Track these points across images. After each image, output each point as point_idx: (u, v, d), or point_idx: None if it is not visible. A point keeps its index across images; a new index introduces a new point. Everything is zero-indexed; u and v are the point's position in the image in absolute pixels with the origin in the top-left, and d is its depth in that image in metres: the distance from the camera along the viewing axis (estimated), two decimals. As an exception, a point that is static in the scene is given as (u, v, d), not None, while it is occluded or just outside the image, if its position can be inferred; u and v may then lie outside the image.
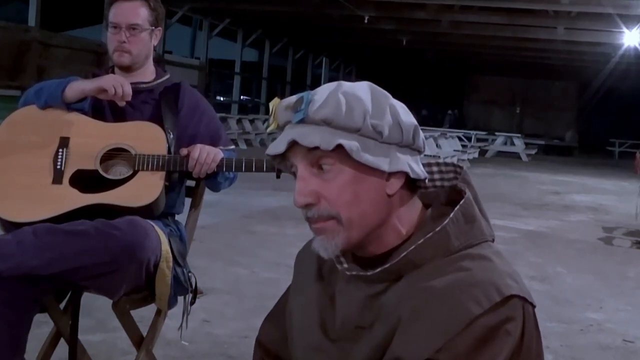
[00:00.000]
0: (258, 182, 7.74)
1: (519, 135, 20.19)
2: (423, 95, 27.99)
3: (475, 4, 14.60)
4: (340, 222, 1.06)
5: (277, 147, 1.06)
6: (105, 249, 1.90)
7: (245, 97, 24.74)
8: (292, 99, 1.08)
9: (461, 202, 1.09)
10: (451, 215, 1.07)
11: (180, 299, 2.25)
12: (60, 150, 2.16)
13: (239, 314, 3.61)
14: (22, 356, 1.95)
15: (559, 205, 9.37)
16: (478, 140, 19.72)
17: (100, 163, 2.15)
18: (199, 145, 2.21)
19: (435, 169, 1.18)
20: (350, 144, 1.03)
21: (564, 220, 8.01)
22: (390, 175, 1.07)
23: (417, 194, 1.14)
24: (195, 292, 2.28)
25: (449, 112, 27.70)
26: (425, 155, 1.30)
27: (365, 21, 14.95)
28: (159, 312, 2.22)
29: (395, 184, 1.08)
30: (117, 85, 2.15)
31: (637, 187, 7.45)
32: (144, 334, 2.23)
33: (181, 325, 2.27)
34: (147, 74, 2.35)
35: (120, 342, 2.91)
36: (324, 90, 1.07)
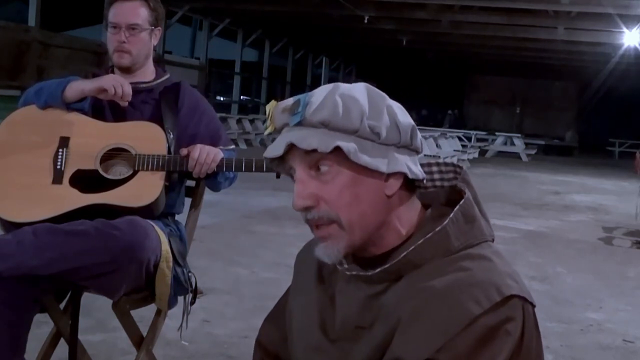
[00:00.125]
0: (258, 182, 7.74)
1: (519, 135, 20.19)
2: (423, 95, 28.01)
3: (475, 4, 14.60)
4: (341, 226, 1.06)
5: (274, 150, 1.06)
6: (105, 249, 1.90)
7: (245, 97, 24.74)
8: (289, 101, 1.08)
9: (461, 202, 1.09)
10: (451, 215, 1.07)
11: (180, 299, 2.25)
12: (60, 150, 2.16)
13: (239, 314, 3.61)
14: (22, 356, 1.95)
15: (559, 205, 9.37)
16: (478, 140, 19.72)
17: (100, 163, 2.15)
18: (198, 146, 2.21)
19: (435, 169, 1.18)
20: (348, 145, 1.03)
21: (564, 220, 8.01)
22: (389, 176, 1.07)
23: (417, 194, 1.14)
24: (195, 292, 2.28)
25: (449, 112, 27.71)
26: (425, 155, 1.30)
27: (365, 21, 14.94)
28: (159, 312, 2.22)
29: (394, 185, 1.08)
30: (117, 85, 2.15)
31: (637, 187, 7.46)
32: (144, 334, 2.23)
33: (181, 325, 2.27)
34: (147, 73, 2.35)
35: (120, 342, 2.91)
36: (321, 93, 1.07)
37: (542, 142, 22.79)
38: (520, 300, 1.01)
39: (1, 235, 2.01)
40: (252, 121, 17.23)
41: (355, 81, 1.13)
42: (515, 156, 18.48)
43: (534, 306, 1.05)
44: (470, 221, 1.08)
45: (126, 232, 1.94)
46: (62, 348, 2.24)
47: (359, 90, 1.08)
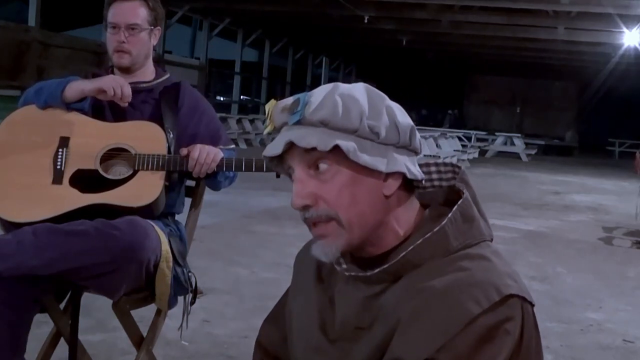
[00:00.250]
0: (258, 182, 7.74)
1: (519, 135, 20.19)
2: (423, 95, 28.01)
3: (475, 4, 14.60)
4: (340, 224, 1.06)
5: (274, 148, 1.06)
6: (105, 249, 1.90)
7: (245, 97, 24.74)
8: (289, 100, 1.08)
9: (459, 202, 1.09)
10: (449, 215, 1.07)
11: (180, 299, 2.25)
12: (60, 150, 2.16)
13: (239, 314, 3.61)
14: (22, 356, 1.95)
15: (559, 205, 9.37)
16: (478, 140, 19.71)
17: (100, 163, 2.15)
18: (198, 146, 2.20)
19: (433, 169, 1.18)
20: (347, 144, 1.03)
21: (564, 220, 8.01)
22: (388, 176, 1.07)
23: (415, 195, 1.14)
24: (195, 292, 2.28)
25: (449, 112, 27.71)
26: (425, 155, 1.30)
27: (365, 21, 14.94)
28: (159, 312, 2.22)
29: (393, 185, 1.08)
30: (116, 86, 2.15)
31: (637, 187, 7.46)
32: (144, 334, 2.23)
33: (181, 325, 2.27)
34: (147, 73, 2.35)
35: (120, 342, 2.91)
36: (320, 92, 1.07)
37: (542, 142, 22.78)
38: (519, 300, 1.02)
39: (1, 235, 2.01)
40: (252, 121, 17.23)
41: (355, 81, 1.13)
42: (515, 156, 18.48)
43: (533, 305, 1.05)
44: (469, 221, 1.08)
45: (126, 232, 1.94)
46: (62, 348, 2.24)
47: (359, 90, 1.08)
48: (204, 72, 18.73)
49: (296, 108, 1.06)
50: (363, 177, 1.06)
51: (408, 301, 1.02)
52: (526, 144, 19.79)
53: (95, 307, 3.07)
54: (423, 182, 1.15)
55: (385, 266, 1.07)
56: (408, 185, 1.11)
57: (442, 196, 1.16)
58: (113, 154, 2.17)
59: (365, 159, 1.04)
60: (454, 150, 15.11)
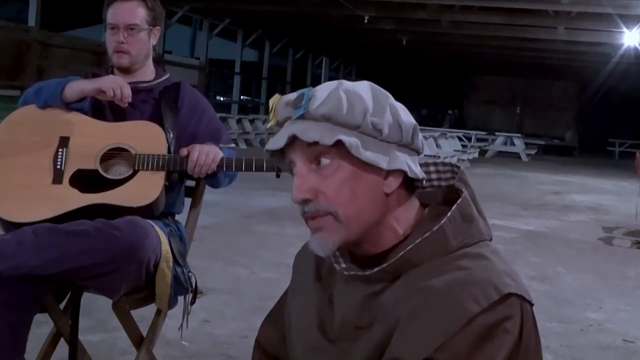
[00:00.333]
0: (258, 182, 7.74)
1: (519, 135, 20.18)
2: (423, 95, 27.99)
3: (475, 4, 14.60)
4: (337, 219, 1.06)
5: (276, 142, 1.07)
6: (105, 249, 1.90)
7: (245, 97, 24.74)
8: (293, 95, 1.08)
9: (458, 202, 1.09)
10: (448, 214, 1.07)
11: (180, 299, 2.25)
12: (60, 150, 2.16)
13: (239, 314, 3.61)
14: (22, 356, 1.95)
15: (559, 205, 9.36)
16: (478, 140, 19.71)
17: (100, 163, 2.15)
18: (197, 147, 2.20)
19: (432, 168, 1.18)
20: (350, 140, 1.03)
21: (564, 220, 8.01)
22: (389, 173, 1.07)
23: (415, 195, 1.14)
24: (195, 292, 2.28)
25: (449, 112, 27.70)
26: (425, 155, 1.30)
27: (365, 21, 14.94)
28: (159, 312, 2.22)
29: (393, 183, 1.08)
30: (115, 87, 2.15)
31: (637, 187, 7.45)
32: (144, 334, 2.23)
33: (181, 325, 2.27)
34: (147, 73, 2.35)
35: (120, 342, 2.91)
36: (325, 88, 1.08)
37: (542, 142, 22.78)
38: (518, 299, 1.02)
39: (1, 235, 2.01)
40: (252, 121, 17.23)
41: (355, 81, 1.13)
42: (515, 156, 18.48)
43: (532, 305, 1.05)
44: (468, 220, 1.08)
45: (126, 232, 1.94)
46: (62, 348, 2.24)
47: (363, 88, 1.09)
48: (204, 72, 18.73)
49: (300, 102, 1.06)
50: (364, 174, 1.06)
51: (407, 300, 1.02)
52: (526, 144, 19.79)
53: (95, 307, 3.07)
54: (423, 182, 1.15)
55: (384, 265, 1.07)
56: (408, 184, 1.12)
57: (441, 196, 1.16)
58: (113, 154, 2.17)
59: (368, 155, 1.04)
60: (454, 150, 15.10)
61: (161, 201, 2.16)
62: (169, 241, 2.12)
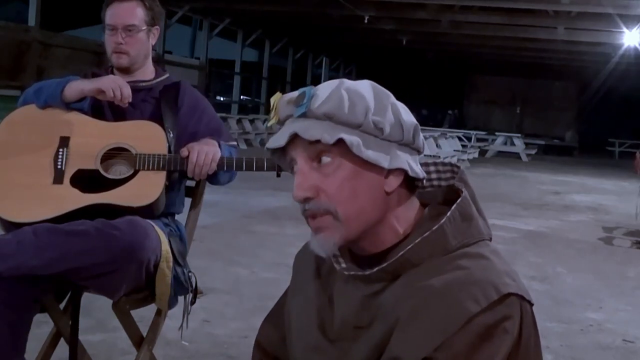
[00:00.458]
0: (258, 182, 7.74)
1: (519, 135, 20.18)
2: (423, 95, 27.98)
3: (475, 4, 14.60)
4: (336, 218, 1.06)
5: (277, 140, 1.07)
6: (106, 249, 1.90)
7: (245, 97, 24.74)
8: (294, 93, 1.09)
9: (458, 201, 1.09)
10: (448, 214, 1.07)
11: (181, 299, 2.25)
12: (61, 150, 2.16)
13: (239, 314, 3.61)
14: (22, 356, 1.95)
15: (559, 205, 9.36)
16: (478, 140, 19.70)
17: (101, 162, 2.15)
18: (196, 147, 2.19)
19: (432, 168, 1.18)
20: (352, 138, 1.04)
21: (564, 220, 8.01)
22: (390, 172, 1.08)
23: (415, 194, 1.14)
24: (196, 292, 2.28)
25: (449, 112, 27.69)
26: (425, 155, 1.30)
27: (365, 21, 14.94)
28: (159, 312, 2.22)
29: (394, 182, 1.08)
30: (115, 88, 2.15)
31: (637, 187, 7.45)
32: (144, 334, 2.23)
33: (181, 325, 2.27)
34: (147, 73, 2.35)
35: (120, 342, 2.92)
36: (327, 87, 1.08)
37: (542, 142, 22.77)
38: (518, 299, 1.02)
39: (1, 235, 2.01)
40: (252, 121, 17.23)
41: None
42: (515, 156, 18.48)
43: (532, 304, 1.05)
44: (468, 220, 1.09)
45: (126, 232, 1.94)
46: (62, 348, 2.24)
47: (365, 87, 1.09)
48: (204, 72, 18.73)
49: (302, 101, 1.06)
50: (365, 172, 1.06)
51: (407, 300, 1.02)
52: (526, 144, 19.78)
53: (95, 307, 3.07)
54: (423, 181, 1.15)
55: (384, 265, 1.07)
56: (409, 183, 1.12)
57: (441, 195, 1.16)
58: (113, 154, 2.17)
59: (369, 154, 1.05)
60: (454, 150, 15.10)
61: (162, 201, 2.16)
62: (169, 241, 2.12)
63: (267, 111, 1.13)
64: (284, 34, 21.65)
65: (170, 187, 2.24)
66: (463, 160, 14.60)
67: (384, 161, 1.06)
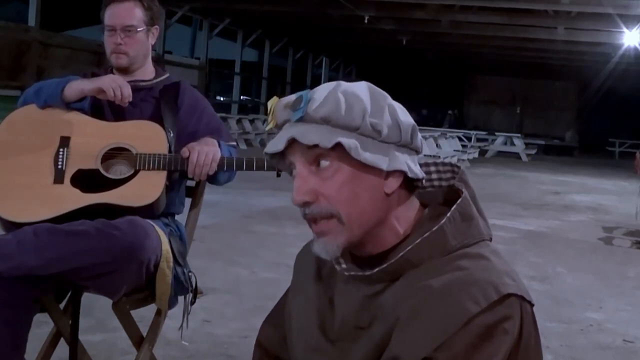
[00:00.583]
0: (258, 182, 7.74)
1: (519, 135, 20.18)
2: (423, 95, 27.99)
3: (475, 4, 14.60)
4: (340, 220, 1.06)
5: (276, 145, 1.07)
6: (106, 249, 1.90)
7: (245, 97, 24.74)
8: (291, 97, 1.08)
9: (458, 202, 1.09)
10: (448, 214, 1.07)
11: (181, 299, 2.25)
12: (61, 149, 2.16)
13: (239, 314, 3.61)
14: (22, 356, 1.95)
15: (559, 205, 9.36)
16: (478, 140, 19.70)
17: (101, 162, 2.15)
18: (196, 147, 2.19)
19: (432, 168, 1.18)
20: (349, 142, 1.03)
21: (564, 220, 8.01)
22: (389, 174, 1.08)
23: (415, 194, 1.14)
24: (196, 292, 2.28)
25: (449, 112, 27.68)
26: (425, 155, 1.30)
27: (365, 21, 14.94)
28: (159, 312, 2.22)
29: (394, 183, 1.08)
30: (115, 87, 2.15)
31: (637, 187, 7.45)
32: (144, 334, 2.23)
33: (181, 325, 2.27)
34: (147, 72, 2.35)
35: (120, 342, 2.92)
36: (323, 89, 1.08)
37: (542, 142, 22.77)
38: (518, 299, 1.02)
39: (1, 235, 2.01)
40: (252, 121, 17.23)
41: (355, 81, 1.13)
42: (515, 156, 18.48)
43: (532, 305, 1.05)
44: (468, 220, 1.09)
45: (126, 232, 1.94)
46: (62, 348, 2.24)
47: (362, 88, 1.09)
48: (204, 72, 18.74)
49: (299, 105, 1.06)
50: (364, 175, 1.06)
51: (407, 300, 1.02)
52: (526, 144, 19.78)
53: (95, 307, 3.07)
54: (423, 181, 1.15)
55: (385, 266, 1.07)
56: (409, 184, 1.12)
57: (442, 196, 1.16)
58: (114, 154, 2.17)
59: (367, 156, 1.04)
60: (454, 150, 15.10)
61: (162, 201, 2.16)
62: (169, 241, 2.12)
63: (267, 111, 1.12)
64: (284, 34, 21.66)
65: (171, 187, 2.24)
66: (463, 160, 14.60)
67: (383, 163, 1.06)
